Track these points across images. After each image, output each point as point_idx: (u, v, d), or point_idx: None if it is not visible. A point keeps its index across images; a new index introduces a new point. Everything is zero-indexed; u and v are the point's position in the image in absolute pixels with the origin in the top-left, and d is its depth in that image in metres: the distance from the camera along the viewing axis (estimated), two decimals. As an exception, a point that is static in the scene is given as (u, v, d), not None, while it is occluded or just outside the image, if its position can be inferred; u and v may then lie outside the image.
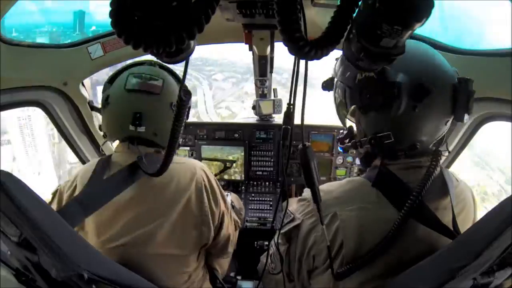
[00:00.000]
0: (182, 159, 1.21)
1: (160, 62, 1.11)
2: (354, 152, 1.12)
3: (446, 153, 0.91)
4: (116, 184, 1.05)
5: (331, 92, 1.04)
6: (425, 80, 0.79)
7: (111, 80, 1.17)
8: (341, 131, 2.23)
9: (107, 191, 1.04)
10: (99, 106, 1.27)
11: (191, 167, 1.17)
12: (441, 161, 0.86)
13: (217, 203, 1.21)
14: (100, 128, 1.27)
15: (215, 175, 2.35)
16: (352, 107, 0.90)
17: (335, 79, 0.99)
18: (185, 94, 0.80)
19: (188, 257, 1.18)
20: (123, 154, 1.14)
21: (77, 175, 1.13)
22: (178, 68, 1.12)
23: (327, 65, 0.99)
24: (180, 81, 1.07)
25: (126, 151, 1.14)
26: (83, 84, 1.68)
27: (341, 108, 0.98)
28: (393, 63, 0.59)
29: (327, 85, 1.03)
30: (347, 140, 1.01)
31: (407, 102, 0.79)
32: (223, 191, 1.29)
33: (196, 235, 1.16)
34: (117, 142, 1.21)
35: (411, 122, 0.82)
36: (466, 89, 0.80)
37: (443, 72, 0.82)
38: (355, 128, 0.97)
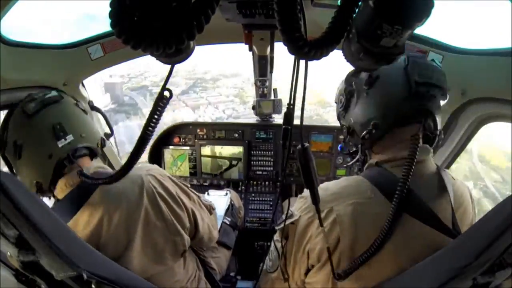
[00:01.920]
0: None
1: None
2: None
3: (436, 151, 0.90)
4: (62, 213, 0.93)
5: None
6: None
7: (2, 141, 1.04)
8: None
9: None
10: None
11: (136, 178, 1.04)
12: (440, 163, 0.86)
13: (179, 205, 1.10)
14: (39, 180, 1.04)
15: (220, 173, 2.36)
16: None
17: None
18: (163, 99, 0.67)
19: (172, 269, 1.12)
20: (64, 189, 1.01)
21: None
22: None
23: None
24: None
25: (64, 187, 1.02)
26: (83, 84, 1.68)
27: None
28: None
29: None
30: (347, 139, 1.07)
31: (361, 90, 0.92)
32: (184, 185, 1.18)
33: (171, 247, 1.08)
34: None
35: (364, 105, 0.92)
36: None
37: None
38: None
